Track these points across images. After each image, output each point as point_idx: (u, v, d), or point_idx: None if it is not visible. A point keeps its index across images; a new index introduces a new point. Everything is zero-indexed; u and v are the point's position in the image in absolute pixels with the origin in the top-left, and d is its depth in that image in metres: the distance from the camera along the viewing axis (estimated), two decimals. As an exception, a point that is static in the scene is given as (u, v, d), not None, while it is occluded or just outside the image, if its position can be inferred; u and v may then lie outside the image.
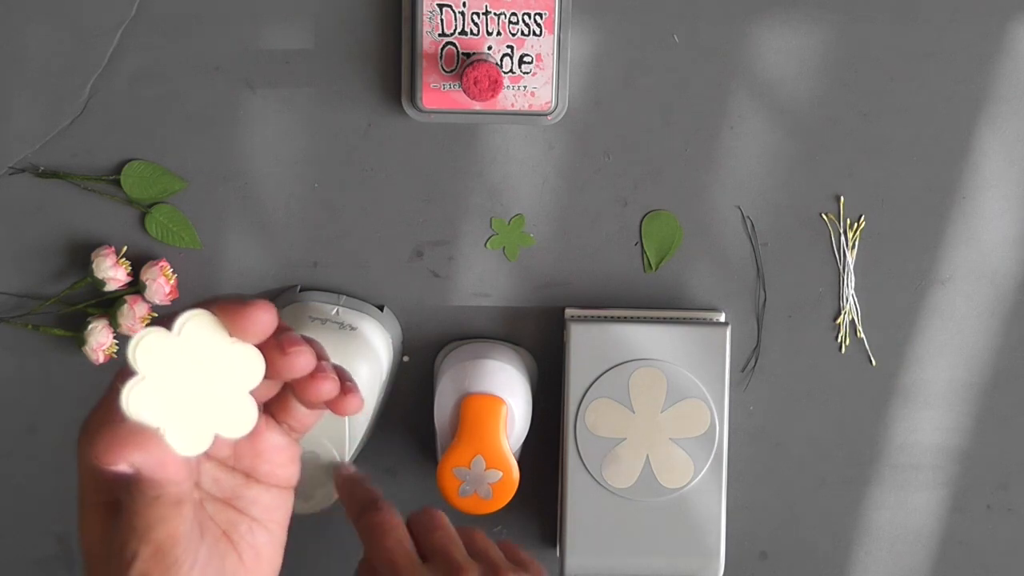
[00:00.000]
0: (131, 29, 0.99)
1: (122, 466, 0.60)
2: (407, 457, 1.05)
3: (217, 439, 0.63)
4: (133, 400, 0.60)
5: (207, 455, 0.65)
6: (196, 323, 0.61)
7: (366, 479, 0.84)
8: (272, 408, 0.67)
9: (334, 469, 0.89)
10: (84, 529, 0.65)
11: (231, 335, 0.62)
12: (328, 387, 0.65)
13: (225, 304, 0.62)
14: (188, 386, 0.61)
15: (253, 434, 0.65)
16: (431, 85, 0.97)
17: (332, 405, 0.66)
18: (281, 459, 0.68)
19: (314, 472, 0.92)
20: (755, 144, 1.01)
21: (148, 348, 0.60)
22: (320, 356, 0.66)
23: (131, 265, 1.00)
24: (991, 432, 1.05)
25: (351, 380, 0.67)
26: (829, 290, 1.03)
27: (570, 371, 0.99)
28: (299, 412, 0.67)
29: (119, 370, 0.62)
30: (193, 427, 0.61)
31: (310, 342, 0.66)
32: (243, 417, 0.63)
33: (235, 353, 0.62)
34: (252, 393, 0.64)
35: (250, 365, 0.62)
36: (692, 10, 0.99)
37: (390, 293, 1.03)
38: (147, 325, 0.61)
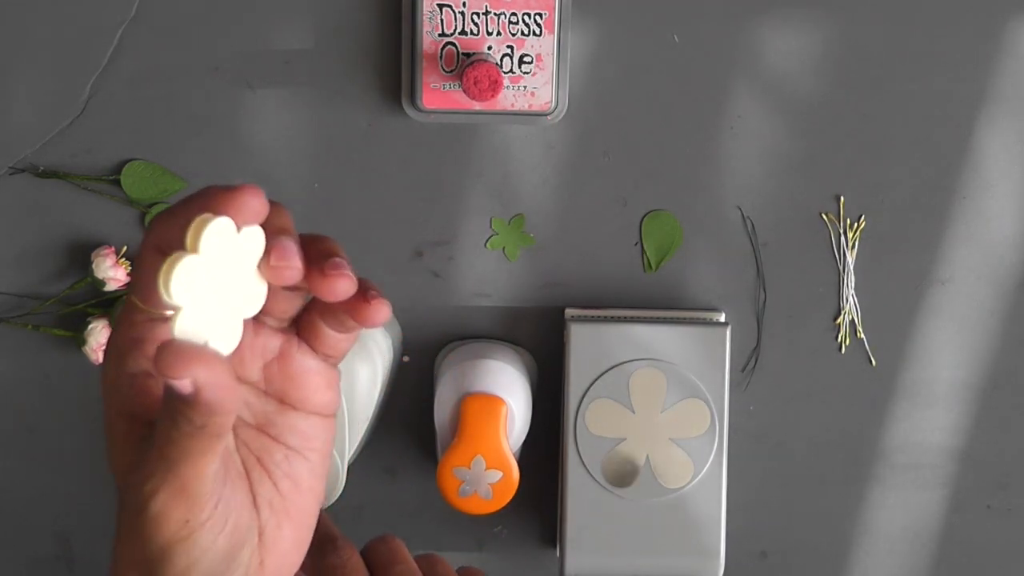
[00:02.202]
0: (131, 29, 0.99)
1: (185, 382, 0.56)
2: (407, 457, 1.05)
3: (244, 358, 0.61)
4: (180, 329, 0.57)
5: (238, 379, 0.62)
6: (212, 231, 0.58)
7: (322, 515, 0.82)
8: (302, 334, 0.65)
9: None
10: (114, 456, 0.62)
11: (231, 221, 0.59)
12: (343, 285, 0.61)
13: (216, 193, 0.59)
14: (216, 295, 0.59)
15: (282, 357, 0.63)
16: (431, 85, 0.97)
17: (354, 313, 0.63)
18: (315, 384, 0.65)
19: None
20: (755, 144, 1.01)
21: (181, 277, 0.57)
22: (332, 252, 0.63)
23: (131, 265, 1.00)
24: (991, 432, 1.05)
25: (376, 289, 0.64)
26: (829, 290, 1.03)
27: (570, 371, 0.99)
28: (329, 336, 0.64)
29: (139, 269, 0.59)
30: (223, 324, 0.59)
31: (320, 239, 0.63)
32: (255, 294, 0.61)
33: (243, 238, 0.59)
34: (274, 313, 0.62)
35: (254, 244, 0.60)
36: (692, 10, 0.99)
37: (390, 293, 1.02)
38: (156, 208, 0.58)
